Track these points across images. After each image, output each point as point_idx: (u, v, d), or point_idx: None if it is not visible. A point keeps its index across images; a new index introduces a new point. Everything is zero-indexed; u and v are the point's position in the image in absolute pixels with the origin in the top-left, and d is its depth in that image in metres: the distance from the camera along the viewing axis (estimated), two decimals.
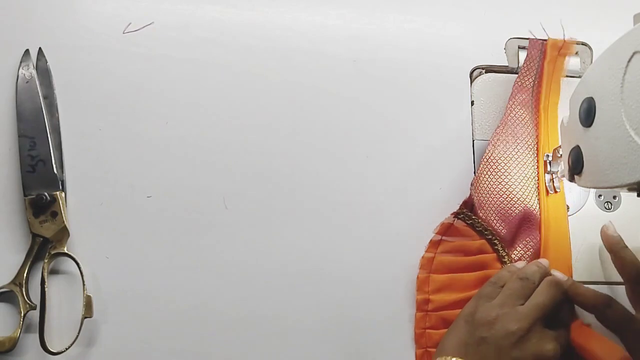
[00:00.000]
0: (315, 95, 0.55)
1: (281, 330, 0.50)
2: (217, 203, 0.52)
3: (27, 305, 0.48)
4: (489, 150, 0.54)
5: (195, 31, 0.55)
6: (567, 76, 0.57)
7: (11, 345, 0.47)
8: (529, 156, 0.54)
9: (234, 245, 0.52)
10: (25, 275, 0.48)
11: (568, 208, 0.54)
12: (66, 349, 0.47)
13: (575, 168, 0.46)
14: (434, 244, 0.53)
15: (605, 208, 0.55)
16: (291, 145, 0.54)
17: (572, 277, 0.51)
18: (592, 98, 0.43)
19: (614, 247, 0.50)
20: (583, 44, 0.58)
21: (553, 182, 0.54)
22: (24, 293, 0.48)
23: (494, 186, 0.53)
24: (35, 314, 0.48)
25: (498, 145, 0.54)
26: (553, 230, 0.53)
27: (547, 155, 0.54)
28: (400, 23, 0.58)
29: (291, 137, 0.54)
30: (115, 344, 0.49)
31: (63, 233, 0.50)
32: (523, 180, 0.53)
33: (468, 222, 0.53)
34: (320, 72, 0.56)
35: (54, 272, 0.50)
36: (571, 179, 0.48)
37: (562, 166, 0.52)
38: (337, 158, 0.54)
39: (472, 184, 0.53)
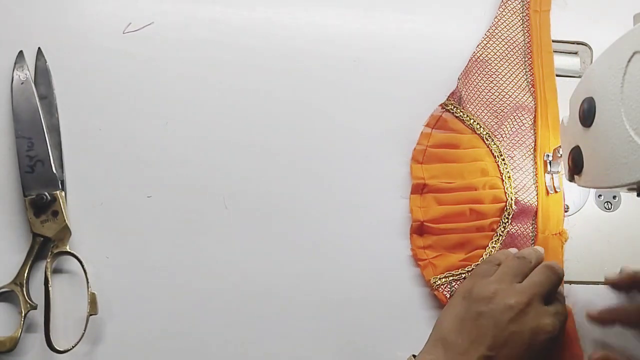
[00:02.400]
0: (316, 95, 0.55)
1: (281, 329, 0.51)
2: (217, 203, 0.52)
3: (28, 305, 0.48)
4: (478, 51, 0.56)
5: (195, 31, 0.55)
6: (567, 76, 0.57)
7: (12, 345, 0.47)
8: (519, 57, 0.56)
9: (234, 245, 0.52)
10: (25, 275, 0.49)
11: (568, 208, 0.54)
12: (73, 346, 0.47)
13: (575, 168, 0.46)
14: (424, 136, 0.54)
15: (605, 208, 0.55)
16: (291, 145, 0.54)
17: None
18: (592, 98, 0.43)
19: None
20: (583, 44, 0.58)
21: (553, 182, 0.54)
22: (25, 293, 0.48)
23: (485, 84, 0.55)
24: (35, 314, 0.48)
25: (488, 47, 0.56)
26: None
27: (547, 155, 0.54)
28: (400, 23, 0.58)
29: (291, 137, 0.54)
30: (118, 342, 0.49)
31: (65, 232, 0.50)
32: (513, 78, 0.55)
33: (457, 114, 0.54)
34: (321, 72, 0.56)
35: (55, 271, 0.50)
36: (571, 179, 0.48)
37: (562, 166, 0.52)
38: (337, 157, 0.54)
39: (459, 79, 0.55)
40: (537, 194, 0.54)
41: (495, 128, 0.54)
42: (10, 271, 0.49)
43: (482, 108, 0.55)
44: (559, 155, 0.52)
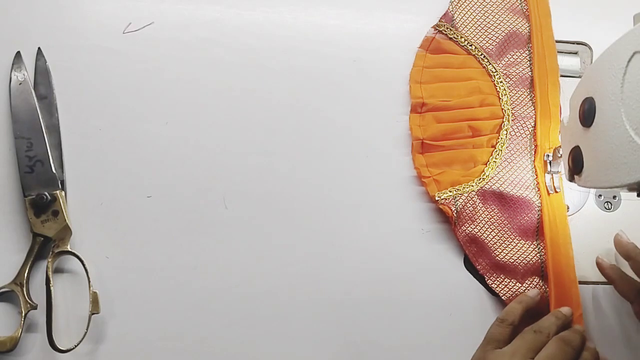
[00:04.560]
0: (315, 95, 0.55)
1: (281, 329, 0.51)
2: (217, 203, 0.52)
3: (28, 305, 0.48)
4: None
5: (195, 31, 0.55)
6: (567, 76, 0.57)
7: (12, 345, 0.47)
8: None
9: (234, 245, 0.52)
10: (26, 275, 0.48)
11: (568, 208, 0.54)
12: (75, 345, 0.47)
13: (575, 168, 0.46)
14: (419, 58, 0.55)
15: (605, 208, 0.55)
16: (291, 145, 0.54)
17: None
18: (592, 98, 0.43)
19: (632, 254, 0.50)
20: (583, 44, 0.58)
21: (553, 182, 0.54)
22: (25, 293, 0.48)
23: (479, 9, 0.56)
24: (36, 314, 0.48)
25: None
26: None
27: (547, 155, 0.54)
28: (400, 23, 0.58)
29: (291, 137, 0.54)
30: (120, 340, 0.49)
31: (65, 232, 0.50)
32: (507, 2, 0.56)
33: (450, 36, 0.55)
34: (320, 72, 0.56)
35: (56, 271, 0.50)
36: (571, 179, 0.48)
37: (562, 166, 0.52)
38: (336, 157, 0.54)
39: (451, 2, 0.56)
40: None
41: (491, 49, 0.55)
42: (10, 271, 0.49)
43: (477, 31, 0.56)
44: (559, 155, 0.52)
